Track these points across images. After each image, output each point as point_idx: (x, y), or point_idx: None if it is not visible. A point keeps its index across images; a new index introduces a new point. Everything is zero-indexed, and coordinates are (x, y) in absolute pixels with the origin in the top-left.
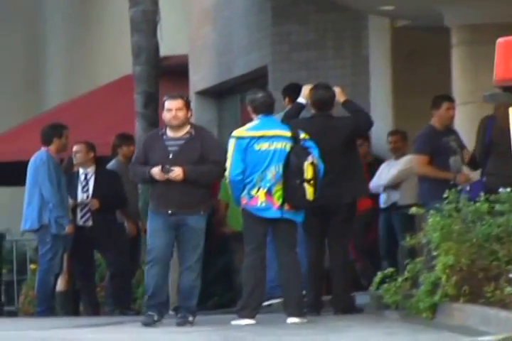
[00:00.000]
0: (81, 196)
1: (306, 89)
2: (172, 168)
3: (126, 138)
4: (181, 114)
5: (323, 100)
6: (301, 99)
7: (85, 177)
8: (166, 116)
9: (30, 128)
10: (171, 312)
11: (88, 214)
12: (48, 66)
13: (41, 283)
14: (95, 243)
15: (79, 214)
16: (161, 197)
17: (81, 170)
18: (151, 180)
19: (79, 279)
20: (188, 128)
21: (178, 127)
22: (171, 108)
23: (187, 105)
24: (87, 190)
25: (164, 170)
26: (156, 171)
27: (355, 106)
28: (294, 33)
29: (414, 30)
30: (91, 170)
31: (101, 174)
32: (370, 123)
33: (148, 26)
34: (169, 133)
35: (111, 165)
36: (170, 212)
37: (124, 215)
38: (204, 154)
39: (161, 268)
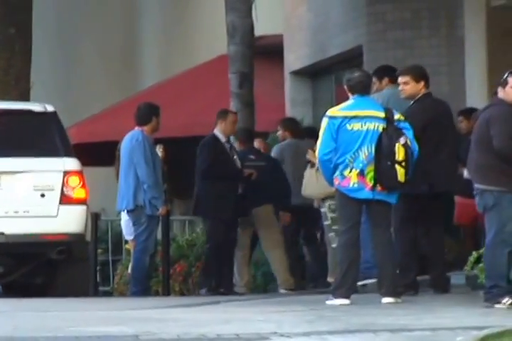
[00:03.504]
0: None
1: None
2: None
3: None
4: None
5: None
6: None
7: (230, 147)
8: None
9: (125, 107)
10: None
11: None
12: (144, 45)
13: (136, 264)
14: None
15: None
16: None
17: (223, 139)
18: None
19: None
20: None
21: None
22: None
23: None
24: (236, 159)
25: None
26: None
27: None
28: (388, 12)
29: (510, 10)
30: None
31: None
32: None
33: (243, 5)
34: None
35: (285, 144)
36: None
37: None
38: None
39: None
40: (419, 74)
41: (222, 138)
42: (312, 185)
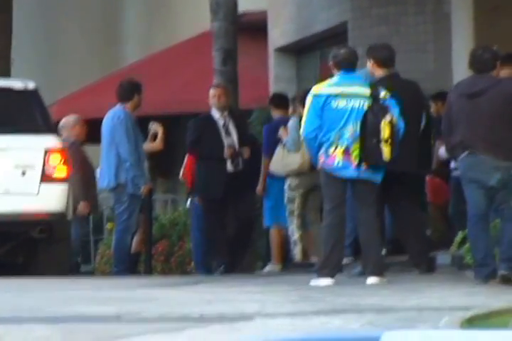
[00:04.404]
0: (227, 141)
1: None
2: None
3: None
4: None
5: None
6: None
7: (225, 123)
8: None
9: (108, 84)
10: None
11: (237, 159)
12: (127, 22)
13: (118, 243)
14: (240, 190)
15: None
16: None
17: (217, 115)
18: None
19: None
20: None
21: None
22: None
23: None
24: (231, 135)
25: None
26: None
27: None
28: None
29: None
30: (227, 114)
31: (239, 119)
32: None
33: None
34: None
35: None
36: None
37: None
38: None
39: None
40: (367, 51)
41: (216, 115)
42: (278, 161)
